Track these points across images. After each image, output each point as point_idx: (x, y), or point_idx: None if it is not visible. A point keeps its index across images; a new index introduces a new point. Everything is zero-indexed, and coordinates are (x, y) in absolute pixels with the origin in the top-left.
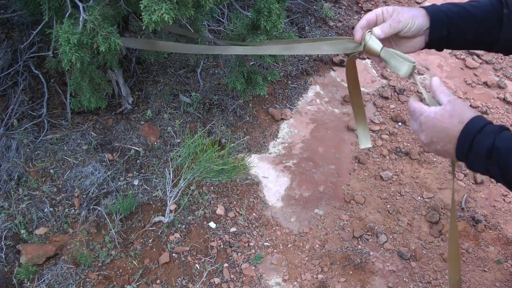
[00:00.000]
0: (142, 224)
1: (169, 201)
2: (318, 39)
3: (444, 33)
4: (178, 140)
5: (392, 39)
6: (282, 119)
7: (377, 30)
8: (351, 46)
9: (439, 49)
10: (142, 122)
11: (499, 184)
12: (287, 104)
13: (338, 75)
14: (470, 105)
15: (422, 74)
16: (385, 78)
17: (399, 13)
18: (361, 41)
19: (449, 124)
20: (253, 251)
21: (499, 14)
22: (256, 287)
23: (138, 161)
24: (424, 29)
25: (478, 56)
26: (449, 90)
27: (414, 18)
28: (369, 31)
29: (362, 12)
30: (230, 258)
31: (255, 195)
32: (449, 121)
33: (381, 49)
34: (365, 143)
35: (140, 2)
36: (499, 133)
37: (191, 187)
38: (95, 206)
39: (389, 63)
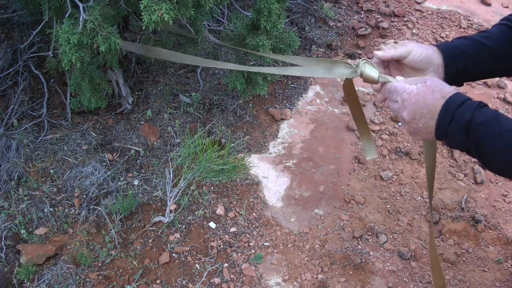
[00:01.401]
0: (142, 224)
1: (169, 201)
2: (313, 60)
3: (461, 66)
4: (178, 140)
5: (403, 70)
6: (282, 119)
7: (379, 52)
8: (347, 71)
9: (459, 83)
10: (142, 122)
11: (499, 184)
12: (287, 104)
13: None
14: None
15: None
16: None
17: (407, 42)
18: (358, 68)
19: (432, 99)
20: (253, 251)
21: (511, 39)
22: (256, 287)
23: (138, 161)
24: (434, 64)
25: None
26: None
27: (423, 49)
28: (363, 59)
29: (362, 12)
30: (230, 258)
31: (255, 195)
32: (431, 96)
33: (378, 76)
34: (371, 154)
35: (140, 2)
36: (478, 108)
37: (191, 187)
38: (95, 206)
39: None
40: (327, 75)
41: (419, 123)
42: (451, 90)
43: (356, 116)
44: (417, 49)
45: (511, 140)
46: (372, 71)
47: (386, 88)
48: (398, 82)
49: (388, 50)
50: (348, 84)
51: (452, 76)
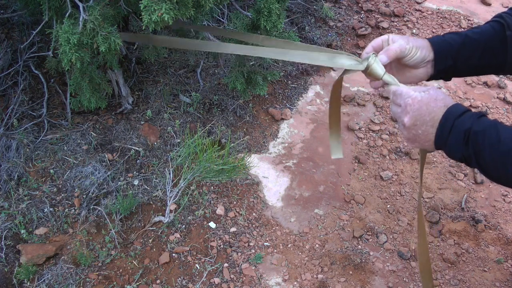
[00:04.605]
0: (142, 224)
1: (169, 201)
2: (316, 48)
3: (449, 63)
4: (178, 140)
5: (394, 67)
6: (282, 119)
7: (382, 56)
8: (349, 63)
9: (447, 78)
10: (142, 122)
11: (499, 184)
12: (287, 104)
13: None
14: (470, 105)
15: None
16: None
17: (397, 38)
18: (364, 61)
19: (434, 107)
20: (253, 251)
21: (502, 37)
22: (256, 287)
23: (138, 161)
24: (426, 61)
25: None
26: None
27: (418, 49)
28: (373, 54)
29: (362, 12)
30: (230, 258)
31: (255, 195)
32: (434, 104)
33: (384, 73)
34: (338, 153)
35: (140, 2)
36: (477, 119)
37: (191, 187)
38: (95, 206)
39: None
40: (329, 64)
41: (419, 129)
42: (452, 101)
43: (333, 116)
44: (415, 50)
45: (509, 147)
46: (380, 68)
47: (391, 91)
48: (404, 87)
49: (390, 51)
50: (338, 84)
51: (441, 72)
